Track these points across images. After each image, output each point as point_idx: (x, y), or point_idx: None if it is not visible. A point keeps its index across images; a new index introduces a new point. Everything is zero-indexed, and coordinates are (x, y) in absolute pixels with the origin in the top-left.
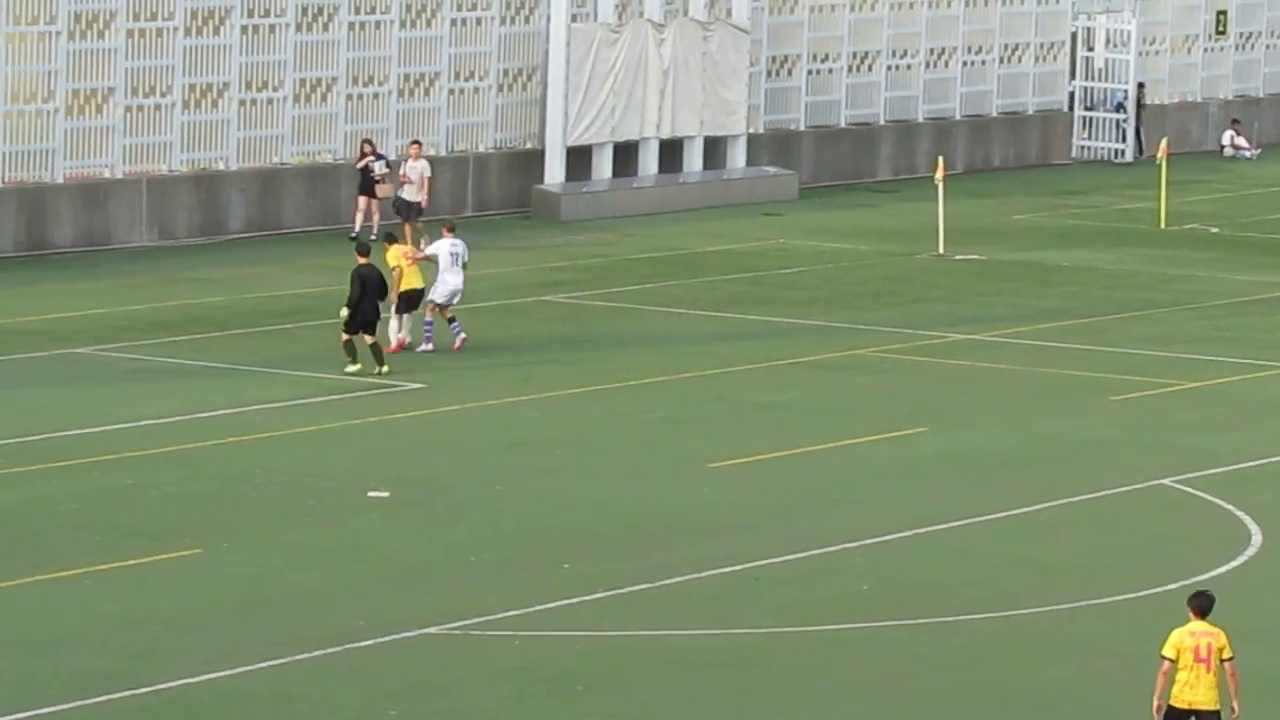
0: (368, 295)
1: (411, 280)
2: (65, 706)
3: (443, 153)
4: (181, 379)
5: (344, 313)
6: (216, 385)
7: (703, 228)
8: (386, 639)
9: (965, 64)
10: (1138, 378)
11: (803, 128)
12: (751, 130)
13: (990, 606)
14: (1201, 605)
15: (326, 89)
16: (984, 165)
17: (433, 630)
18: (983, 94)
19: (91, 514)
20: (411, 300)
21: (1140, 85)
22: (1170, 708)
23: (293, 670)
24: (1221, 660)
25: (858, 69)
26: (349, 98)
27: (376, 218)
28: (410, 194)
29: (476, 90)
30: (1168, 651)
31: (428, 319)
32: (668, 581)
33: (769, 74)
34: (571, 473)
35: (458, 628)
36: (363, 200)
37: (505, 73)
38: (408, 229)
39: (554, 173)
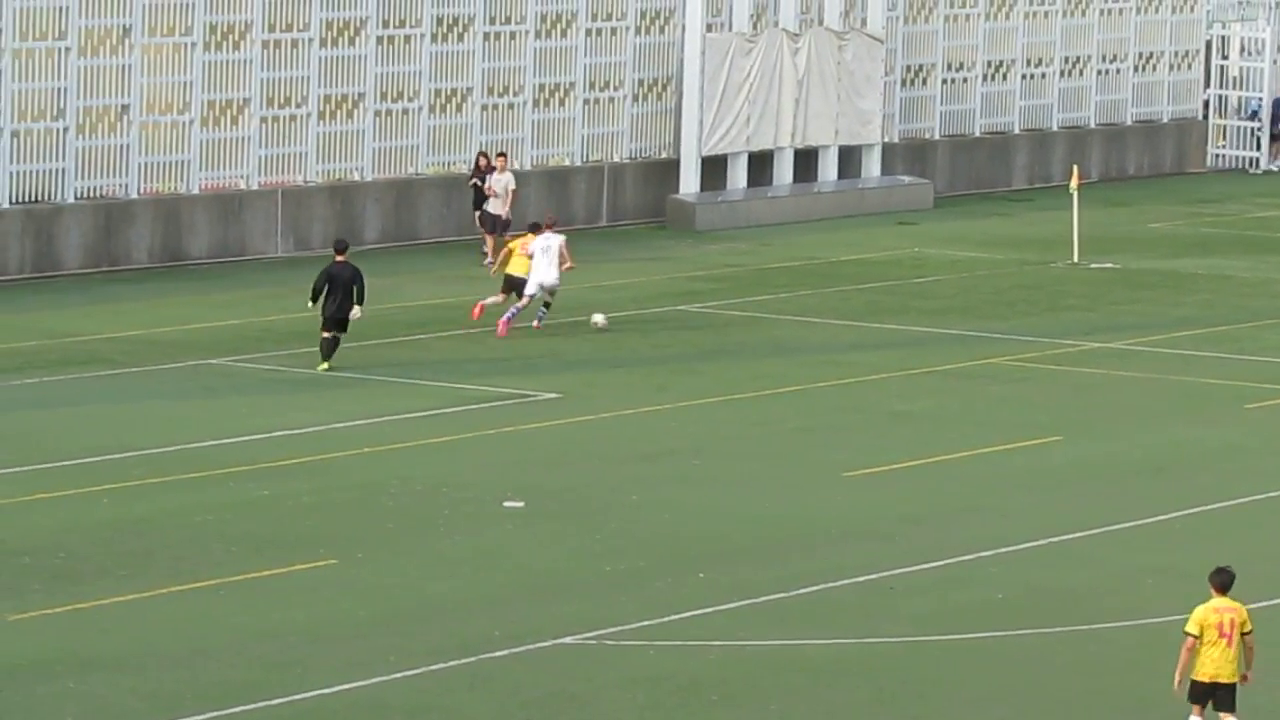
0: (333, 293)
1: (515, 267)
2: (202, 717)
3: (579, 162)
4: (316, 390)
5: (309, 305)
6: (351, 396)
7: (837, 237)
8: (521, 649)
9: (1100, 72)
10: (1274, 385)
11: (937, 136)
12: (886, 139)
13: (1126, 615)
14: (1223, 581)
15: (461, 99)
16: (1119, 174)
17: (567, 640)
18: (1118, 102)
19: (227, 525)
20: (511, 284)
21: None
22: (1194, 682)
23: (427, 681)
24: (1243, 634)
25: (992, 78)
26: (483, 108)
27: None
28: (495, 207)
29: (612, 100)
30: (1191, 628)
31: (519, 306)
32: (803, 591)
33: (904, 83)
34: (706, 482)
35: (592, 637)
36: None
37: (640, 83)
38: (491, 242)
39: (689, 182)
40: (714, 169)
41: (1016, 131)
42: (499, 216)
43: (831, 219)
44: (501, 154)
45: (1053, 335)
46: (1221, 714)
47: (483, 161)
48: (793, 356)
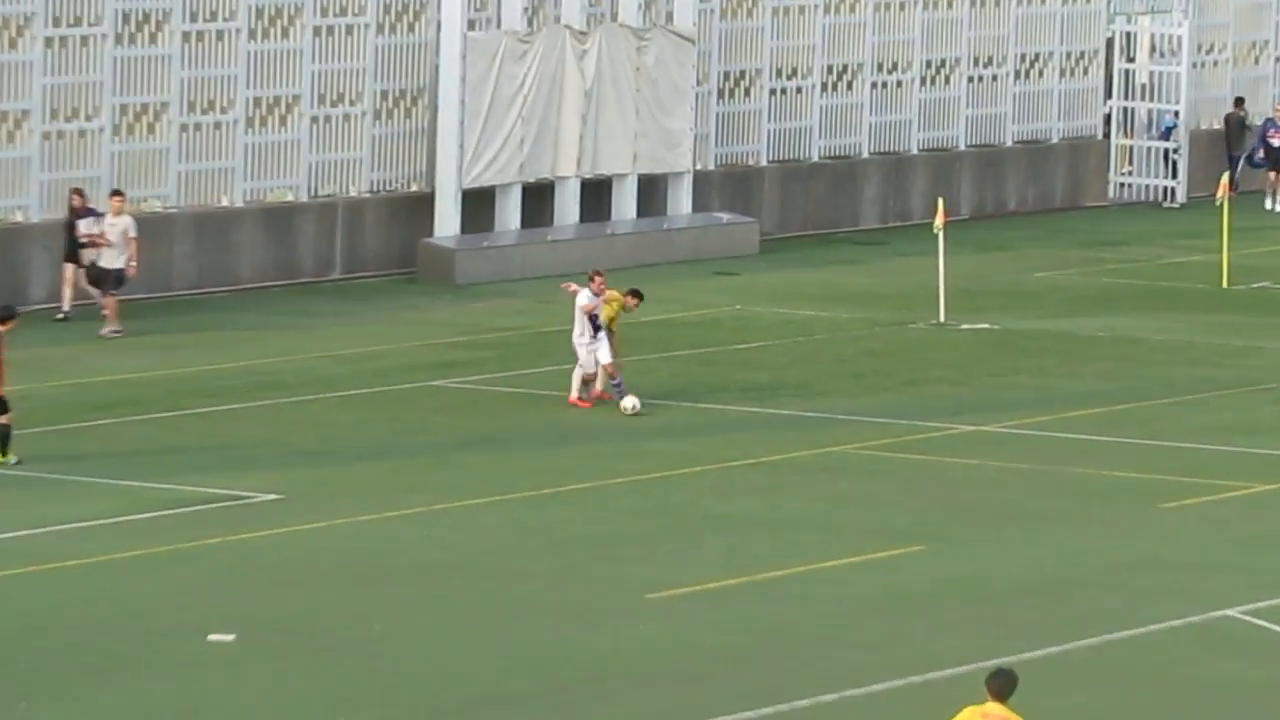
0: None
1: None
2: None
3: (304, 198)
4: None
5: None
6: (9, 499)
7: None
8: None
9: (972, 80)
10: (1195, 479)
11: (764, 163)
12: (699, 166)
13: None
14: (999, 686)
15: (154, 118)
16: (996, 209)
17: None
18: (994, 118)
19: None
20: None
21: (1239, 101)
22: None
23: None
24: None
25: (835, 87)
26: (182, 128)
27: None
28: (109, 260)
29: (347, 118)
30: None
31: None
32: None
33: (722, 94)
34: (470, 608)
35: None
36: (69, 268)
37: (384, 95)
38: (111, 304)
39: (446, 222)
40: (478, 205)
41: (865, 156)
42: (115, 271)
43: (630, 269)
44: (117, 192)
45: (912, 416)
46: None
47: (77, 201)
48: (580, 445)
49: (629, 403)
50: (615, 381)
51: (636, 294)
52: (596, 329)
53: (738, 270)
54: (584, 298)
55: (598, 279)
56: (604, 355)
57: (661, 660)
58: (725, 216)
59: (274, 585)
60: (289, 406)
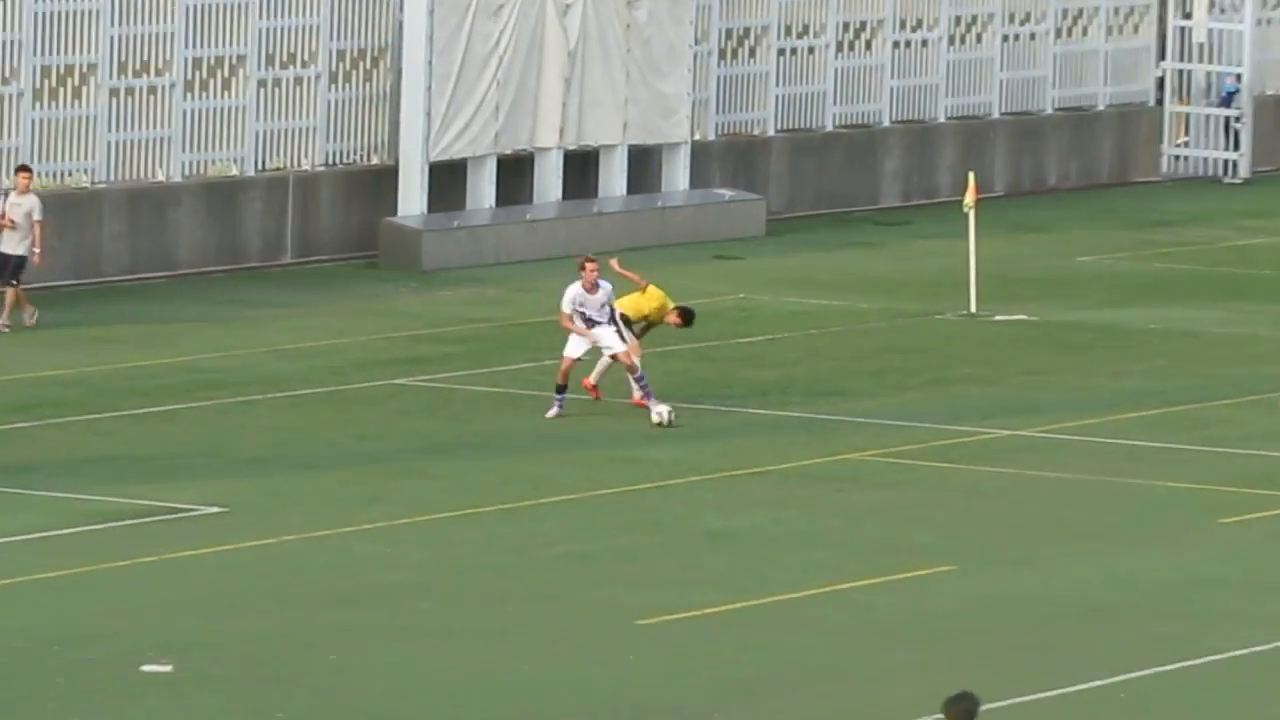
0: None
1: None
2: None
3: (250, 171)
4: None
5: None
6: None
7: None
8: None
9: (1006, 38)
10: (1258, 491)
11: (772, 132)
12: (698, 137)
13: None
14: (961, 711)
15: (79, 84)
16: (1034, 185)
17: None
18: (1032, 82)
19: None
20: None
21: None
22: None
23: None
24: None
25: (851, 47)
26: (112, 92)
27: None
28: (10, 244)
29: (299, 81)
30: None
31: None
32: None
33: (724, 55)
34: (439, 635)
35: None
36: None
37: (341, 56)
38: (11, 296)
39: (411, 200)
40: (448, 181)
41: (886, 124)
42: (17, 258)
43: (619, 252)
44: (24, 168)
45: (940, 419)
46: None
47: None
48: (564, 452)
49: (660, 412)
50: (637, 376)
51: (685, 315)
52: (590, 321)
53: (741, 254)
54: (568, 296)
55: (589, 267)
56: (611, 341)
57: (654, 694)
58: (727, 193)
59: (216, 609)
60: (233, 408)
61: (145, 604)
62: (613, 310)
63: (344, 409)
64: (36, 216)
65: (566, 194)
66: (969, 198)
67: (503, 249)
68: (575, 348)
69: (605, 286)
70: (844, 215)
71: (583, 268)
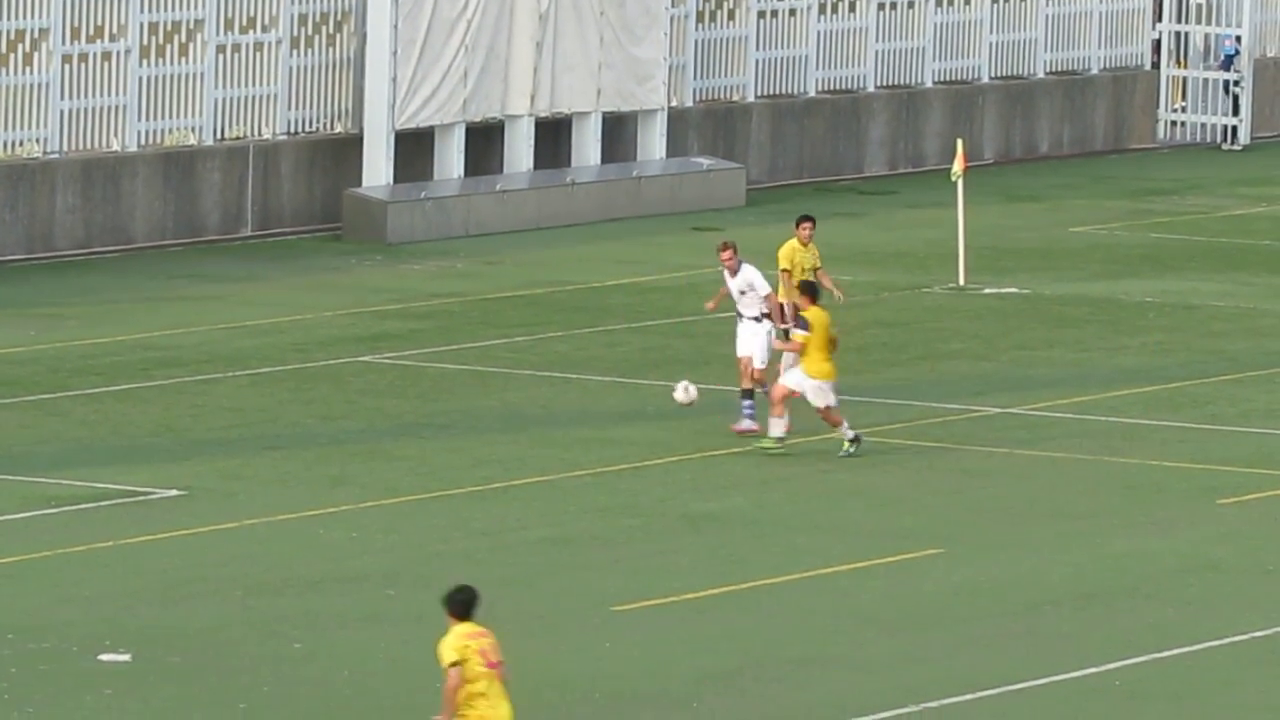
0: None
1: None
2: None
3: (208, 140)
4: None
5: None
6: None
7: (602, 250)
8: None
9: (996, 0)
10: (1259, 470)
11: (752, 98)
12: (675, 103)
13: None
14: (460, 604)
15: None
16: (1026, 152)
17: None
18: (1023, 44)
19: None
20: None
21: None
22: None
23: None
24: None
25: (834, 9)
26: (64, 58)
27: None
28: None
29: (259, 46)
30: (450, 655)
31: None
32: None
33: (701, 17)
34: (406, 622)
35: None
36: None
37: (302, 20)
38: None
39: (377, 170)
40: (414, 150)
41: (871, 90)
42: None
43: (593, 224)
44: None
45: (928, 397)
46: None
47: None
48: (535, 431)
49: (680, 393)
50: (763, 388)
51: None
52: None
53: (720, 225)
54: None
55: (726, 253)
56: (755, 350)
57: (632, 683)
58: (706, 162)
59: (176, 596)
60: (192, 386)
61: (102, 591)
62: (760, 297)
63: (307, 388)
64: None
65: (538, 163)
66: (957, 166)
67: (472, 220)
68: (741, 345)
69: (748, 270)
70: (827, 184)
71: (721, 252)
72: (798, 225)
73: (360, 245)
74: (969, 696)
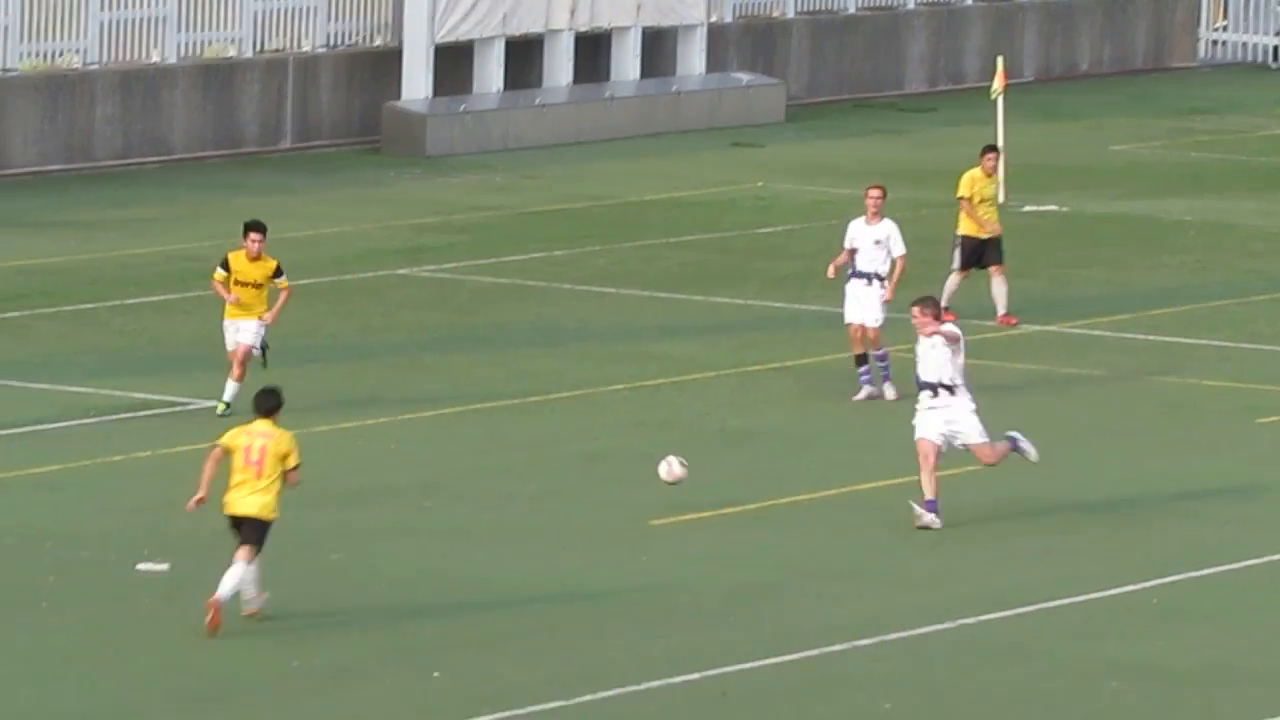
0: None
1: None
2: None
3: (247, 53)
4: None
5: None
6: None
7: (641, 166)
8: None
9: None
10: None
11: (792, 14)
12: (715, 19)
13: None
14: (265, 405)
15: None
16: (1066, 70)
17: None
18: None
19: None
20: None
21: None
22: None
23: None
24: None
25: None
26: None
27: None
28: None
29: None
30: (223, 440)
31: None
32: (587, 698)
33: None
34: (443, 535)
35: None
36: None
37: None
38: None
39: (416, 84)
40: (454, 64)
41: (911, 6)
42: None
43: (632, 139)
44: None
45: (966, 314)
46: (244, 547)
47: None
48: (573, 346)
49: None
50: (879, 355)
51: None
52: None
53: (760, 141)
54: (847, 234)
55: (875, 192)
56: (868, 313)
57: (668, 597)
58: (745, 78)
59: (214, 507)
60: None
61: (140, 501)
62: (890, 257)
63: (345, 300)
64: None
65: (577, 78)
66: (997, 83)
67: (510, 135)
68: (849, 311)
69: (889, 223)
70: (867, 101)
71: (868, 194)
72: (983, 154)
73: (399, 158)
74: (1005, 613)
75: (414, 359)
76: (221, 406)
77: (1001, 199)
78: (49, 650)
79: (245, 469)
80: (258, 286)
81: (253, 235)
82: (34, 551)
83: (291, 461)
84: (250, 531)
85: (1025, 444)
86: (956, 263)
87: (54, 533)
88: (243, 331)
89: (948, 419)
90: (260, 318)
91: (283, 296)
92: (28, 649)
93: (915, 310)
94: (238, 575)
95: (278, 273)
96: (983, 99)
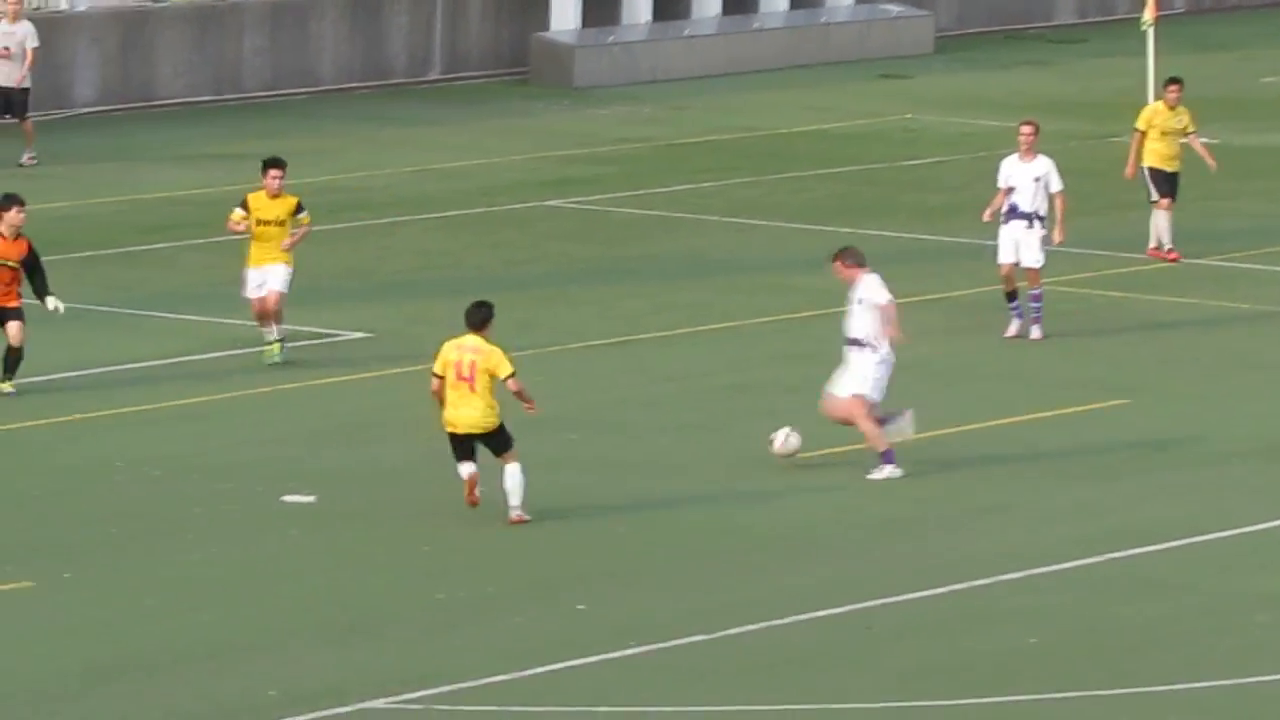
0: None
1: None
2: None
3: None
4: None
5: None
6: (51, 334)
7: (790, 97)
8: (309, 717)
9: None
10: None
11: None
12: None
13: (1225, 670)
14: (477, 318)
15: None
16: (1217, 1)
17: (378, 704)
18: None
19: None
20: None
21: None
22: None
23: None
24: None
25: None
26: None
27: None
28: (4, 75)
29: None
30: (436, 368)
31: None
32: (730, 631)
33: None
34: (590, 466)
35: (416, 700)
36: None
37: None
38: (26, 128)
39: (565, 15)
40: None
41: None
42: (12, 90)
43: (780, 70)
44: None
45: (1115, 247)
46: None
47: None
48: (721, 278)
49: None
50: (1034, 294)
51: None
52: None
53: (908, 73)
54: (1000, 174)
55: (1027, 128)
56: (1027, 253)
57: (814, 531)
58: (894, 8)
59: (360, 438)
60: (377, 230)
61: (287, 432)
62: (1050, 196)
63: (492, 231)
64: (32, 44)
65: (726, 9)
66: (1148, 14)
67: (659, 66)
68: (1003, 252)
69: (1045, 160)
70: (1017, 33)
71: (1021, 130)
72: (1166, 86)
73: (547, 90)
74: (1151, 547)
75: (560, 290)
76: (275, 350)
77: (1193, 129)
78: (194, 581)
79: (458, 385)
80: (280, 224)
81: (272, 171)
82: (180, 483)
83: (502, 373)
84: (492, 443)
85: (897, 424)
86: (1154, 194)
87: (200, 465)
88: (270, 277)
89: (851, 373)
90: (285, 262)
91: (302, 229)
92: (173, 579)
93: (837, 264)
94: (516, 478)
95: (299, 209)
96: (1133, 30)
